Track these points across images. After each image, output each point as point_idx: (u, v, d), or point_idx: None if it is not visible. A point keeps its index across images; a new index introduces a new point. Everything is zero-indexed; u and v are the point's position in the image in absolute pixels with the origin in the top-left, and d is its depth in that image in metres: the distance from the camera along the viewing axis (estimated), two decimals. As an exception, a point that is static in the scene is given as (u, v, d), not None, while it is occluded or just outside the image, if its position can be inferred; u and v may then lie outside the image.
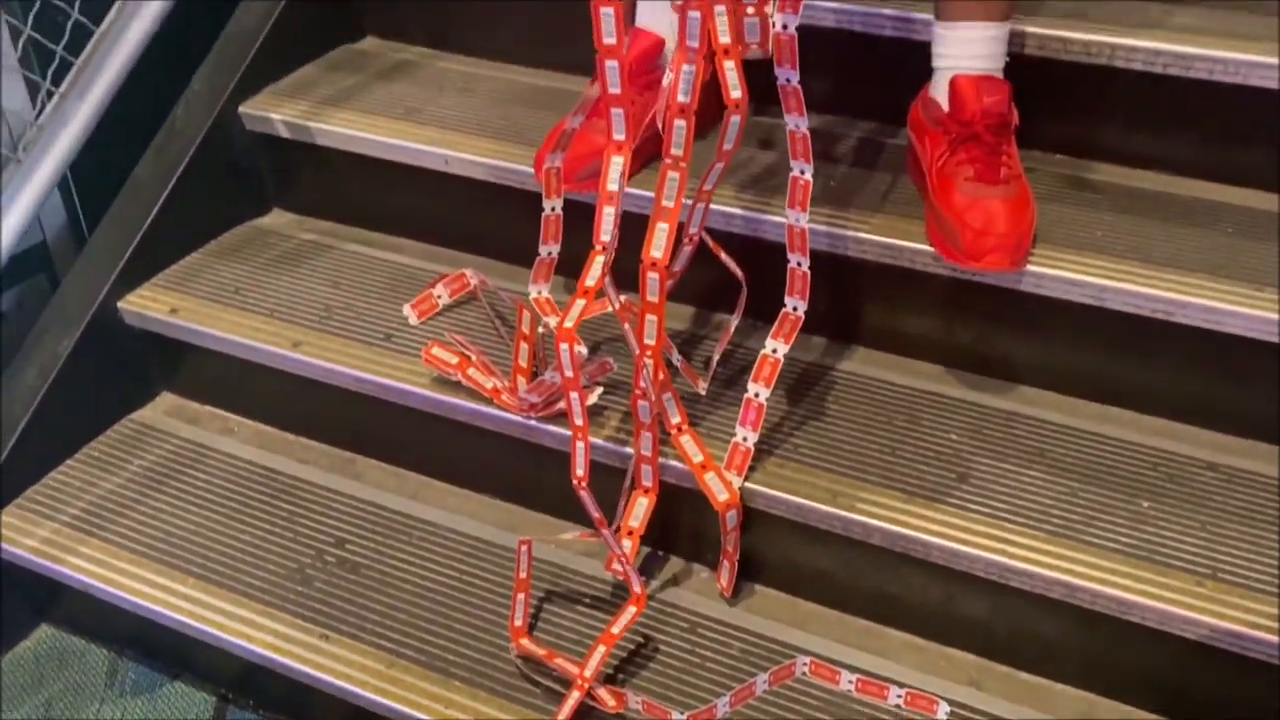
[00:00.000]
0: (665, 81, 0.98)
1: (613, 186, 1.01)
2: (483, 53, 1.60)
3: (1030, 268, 1.15)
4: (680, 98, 0.96)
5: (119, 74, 1.37)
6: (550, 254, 1.18)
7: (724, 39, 0.94)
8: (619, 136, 1.01)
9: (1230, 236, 1.19)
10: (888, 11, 1.32)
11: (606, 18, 0.94)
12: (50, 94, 1.35)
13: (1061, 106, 1.31)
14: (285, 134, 1.47)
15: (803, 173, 1.06)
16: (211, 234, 1.50)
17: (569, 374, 1.02)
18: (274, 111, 1.47)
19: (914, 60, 1.29)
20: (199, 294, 1.40)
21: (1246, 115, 1.24)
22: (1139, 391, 1.19)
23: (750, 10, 0.89)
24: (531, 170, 1.31)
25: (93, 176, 1.48)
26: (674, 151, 0.98)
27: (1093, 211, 1.23)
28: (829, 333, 1.30)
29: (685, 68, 0.95)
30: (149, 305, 1.38)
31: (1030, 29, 1.27)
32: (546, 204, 1.15)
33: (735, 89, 0.95)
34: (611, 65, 0.96)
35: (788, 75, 0.98)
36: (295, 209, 1.57)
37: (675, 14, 1.03)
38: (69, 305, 1.36)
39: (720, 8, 0.93)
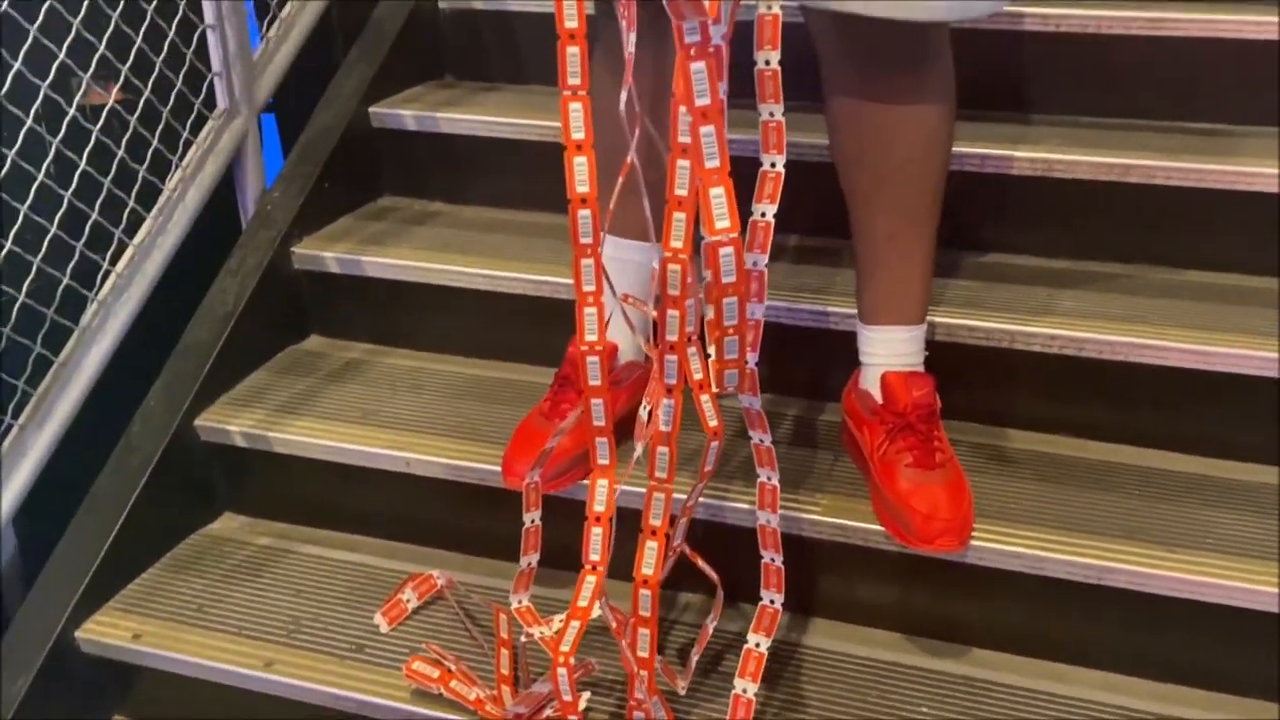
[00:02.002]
0: (643, 412, 1.07)
1: (599, 508, 1.09)
2: (428, 346, 1.69)
3: (974, 543, 1.25)
4: (662, 427, 1.05)
5: (76, 403, 1.41)
6: (530, 564, 1.23)
7: (698, 376, 1.04)
8: (603, 461, 1.09)
9: (1136, 498, 1.33)
10: (806, 307, 1.47)
11: (592, 365, 1.03)
12: (9, 427, 1.37)
13: (972, 382, 1.45)
14: (242, 444, 1.51)
15: (769, 479, 1.15)
16: (166, 547, 1.49)
17: (567, 698, 1.06)
18: (230, 423, 1.51)
19: (832, 345, 1.44)
20: (161, 615, 1.39)
21: (1134, 384, 1.40)
22: (1081, 646, 1.29)
23: (731, 359, 1.00)
24: (491, 467, 1.37)
25: (42, 497, 1.47)
26: (659, 475, 1.06)
27: (1017, 481, 1.36)
28: (791, 607, 1.36)
29: (665, 402, 1.04)
30: (109, 633, 1.36)
31: (938, 319, 1.42)
32: (526, 516, 1.21)
33: (712, 419, 1.05)
34: (597, 402, 1.05)
35: (750, 401, 1.09)
36: (246, 512, 1.58)
37: (628, 323, 1.14)
38: (24, 640, 1.33)
39: (692, 350, 1.03)
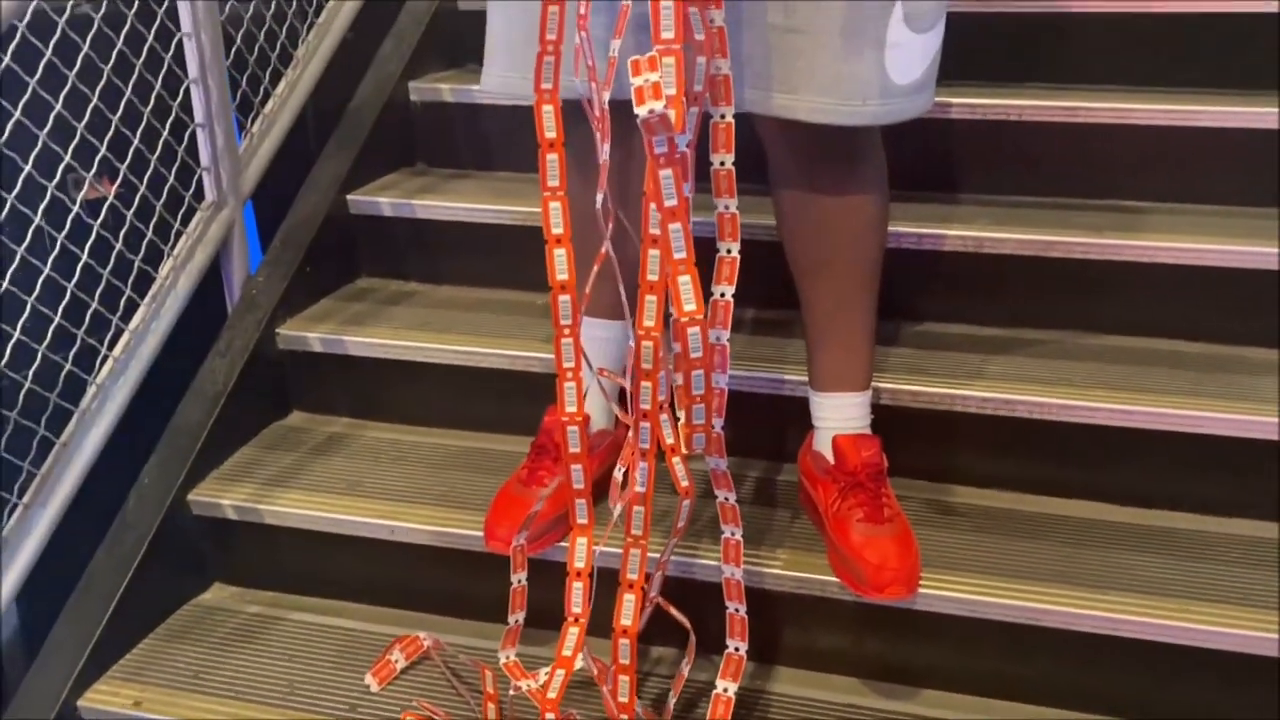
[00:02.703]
0: (618, 474, 1.18)
1: (580, 564, 1.18)
2: (407, 419, 1.78)
3: (922, 591, 1.36)
4: (638, 488, 1.15)
5: (77, 482, 1.48)
6: (518, 620, 1.32)
7: (670, 440, 1.15)
8: (582, 521, 1.19)
9: (1068, 546, 1.45)
10: (764, 375, 1.59)
11: (572, 434, 1.14)
12: (15, 506, 1.44)
13: (916, 442, 1.57)
14: (234, 517, 1.58)
15: (734, 534, 1.26)
16: (161, 618, 1.56)
17: (556, 739, 1.14)
18: (223, 497, 1.59)
19: (788, 410, 1.55)
20: (159, 683, 1.45)
21: (1063, 441, 1.53)
22: (1022, 684, 1.40)
23: (699, 424, 1.11)
24: (473, 533, 1.46)
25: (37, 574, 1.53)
26: (634, 532, 1.16)
27: (958, 533, 1.48)
28: (755, 656, 1.46)
29: (641, 465, 1.15)
30: (111, 701, 1.42)
31: (883, 384, 1.55)
32: (514, 577, 1.30)
33: (684, 479, 1.16)
34: (576, 468, 1.16)
35: (717, 462, 1.20)
36: (236, 582, 1.65)
37: (603, 393, 1.24)
38: (28, 711, 1.38)
39: (664, 416, 1.14)
